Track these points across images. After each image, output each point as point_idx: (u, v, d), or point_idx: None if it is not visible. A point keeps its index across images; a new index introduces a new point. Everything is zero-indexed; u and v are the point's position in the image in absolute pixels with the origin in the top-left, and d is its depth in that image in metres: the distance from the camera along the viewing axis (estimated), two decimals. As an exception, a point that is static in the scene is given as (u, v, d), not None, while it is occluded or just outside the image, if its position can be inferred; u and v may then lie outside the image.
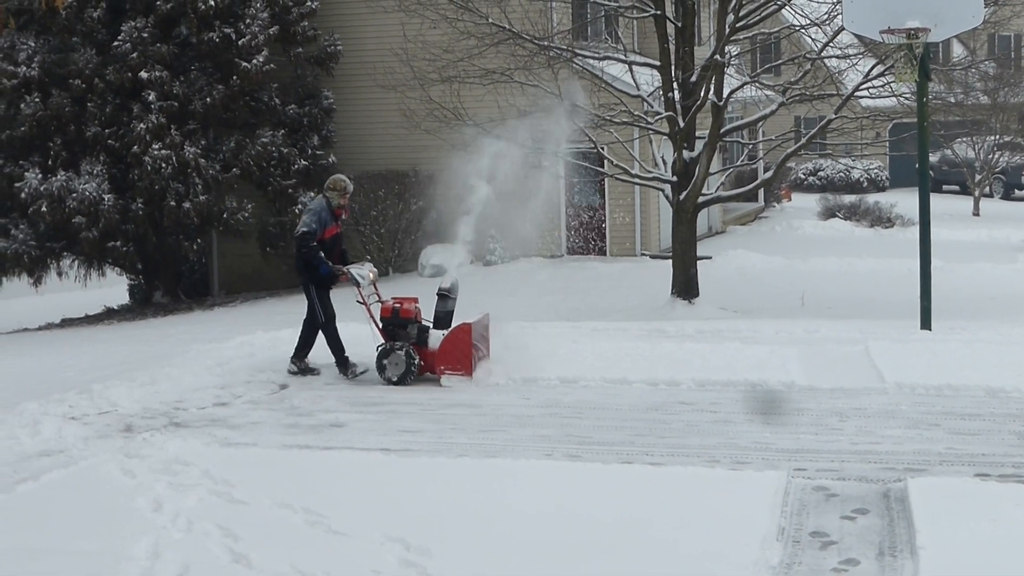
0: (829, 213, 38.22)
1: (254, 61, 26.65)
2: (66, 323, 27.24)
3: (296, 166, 27.56)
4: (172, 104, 26.22)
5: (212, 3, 26.33)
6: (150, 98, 25.98)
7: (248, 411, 12.48)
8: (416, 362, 13.57)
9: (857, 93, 20.48)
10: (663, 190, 21.00)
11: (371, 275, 14.30)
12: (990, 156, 42.60)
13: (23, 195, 25.67)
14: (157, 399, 13.03)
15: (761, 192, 37.31)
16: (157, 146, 25.80)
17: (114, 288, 30.95)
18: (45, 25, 27.07)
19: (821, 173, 49.61)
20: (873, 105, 24.84)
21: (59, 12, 25.61)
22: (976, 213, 40.89)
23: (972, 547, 7.42)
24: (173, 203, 25.97)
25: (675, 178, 20.22)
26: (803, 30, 21.63)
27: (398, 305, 13.96)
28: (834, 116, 20.57)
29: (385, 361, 13.59)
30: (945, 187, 47.97)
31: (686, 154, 19.88)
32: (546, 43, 20.09)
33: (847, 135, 24.57)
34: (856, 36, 18.93)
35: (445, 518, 8.40)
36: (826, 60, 21.24)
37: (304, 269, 14.27)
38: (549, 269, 26.81)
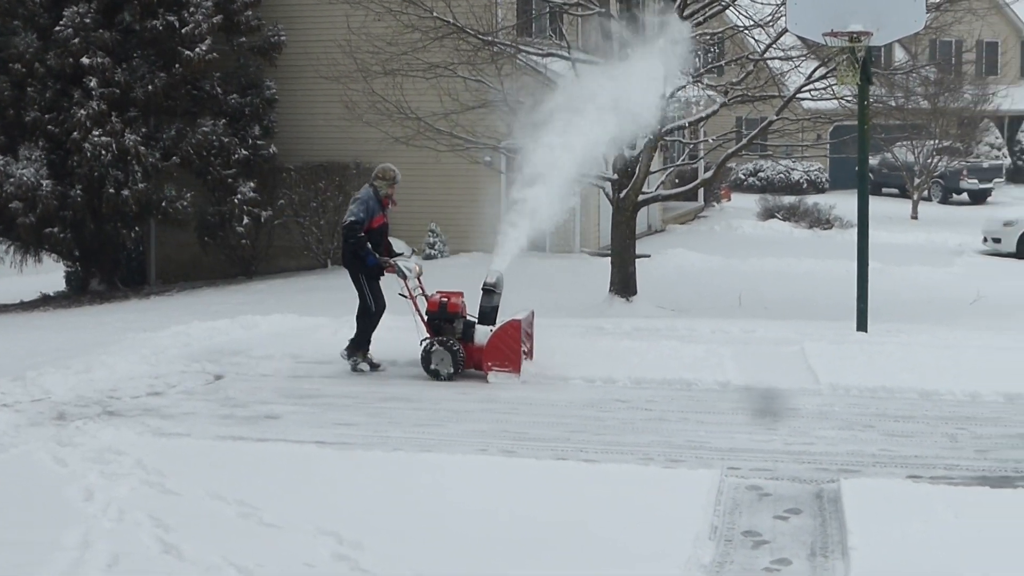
0: (768, 214, 38.48)
1: (197, 50, 26.46)
2: (0, 309, 26.95)
3: (236, 155, 27.41)
4: (113, 91, 25.97)
5: (156, -10, 26.15)
6: (91, 84, 25.72)
7: (182, 401, 12.41)
8: (463, 358, 13.43)
9: (799, 95, 20.64)
10: (603, 187, 21.05)
11: (417, 268, 14.12)
12: (929, 160, 43.05)
13: (-41, 179, 25.37)
14: (91, 387, 12.93)
15: (701, 191, 37.52)
16: (97, 132, 25.55)
17: (50, 275, 30.61)
18: (-15, 8, 26.78)
19: (761, 174, 49.90)
20: (814, 107, 24.98)
21: (-1, -5, 25.38)
22: (915, 216, 41.33)
23: (903, 548, 7.47)
24: (112, 190, 25.72)
25: (615, 176, 20.26)
26: (747, 31, 21.74)
27: (445, 300, 13.78)
28: (775, 117, 20.71)
29: (432, 356, 13.41)
30: (884, 190, 48.36)
31: (627, 152, 19.91)
32: (490, 38, 20.11)
33: (788, 136, 24.73)
34: (799, 38, 19.00)
35: (379, 512, 8.38)
36: (769, 61, 21.36)
37: (352, 261, 13.94)
38: (488, 264, 26.68)
